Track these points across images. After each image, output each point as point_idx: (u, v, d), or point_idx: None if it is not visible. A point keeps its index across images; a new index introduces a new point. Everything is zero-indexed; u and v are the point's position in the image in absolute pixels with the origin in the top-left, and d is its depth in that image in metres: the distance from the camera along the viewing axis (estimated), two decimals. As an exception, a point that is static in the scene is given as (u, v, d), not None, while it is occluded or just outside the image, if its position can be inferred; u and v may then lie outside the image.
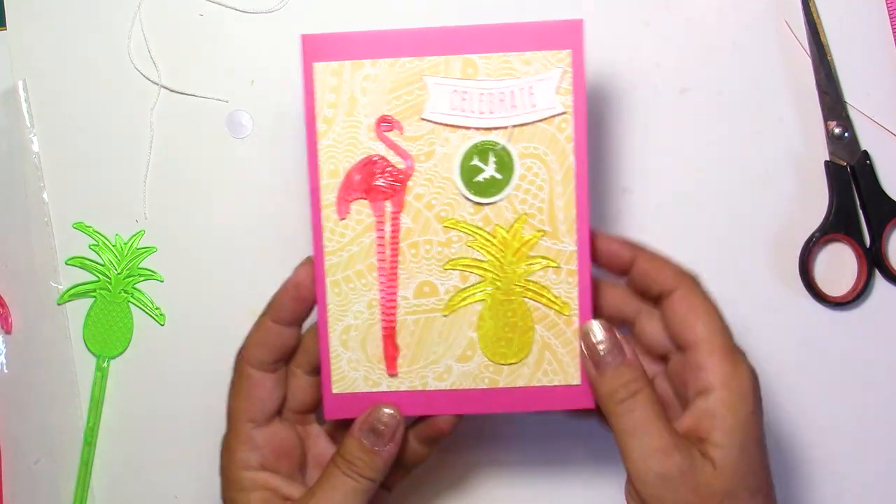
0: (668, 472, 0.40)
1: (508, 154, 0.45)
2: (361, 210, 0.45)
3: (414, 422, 0.47)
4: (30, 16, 0.56)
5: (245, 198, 0.56)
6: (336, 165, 0.45)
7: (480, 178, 0.45)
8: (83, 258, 0.56)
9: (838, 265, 0.56)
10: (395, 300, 0.45)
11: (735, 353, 0.42)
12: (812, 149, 0.56)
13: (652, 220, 0.55)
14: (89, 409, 0.55)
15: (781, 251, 0.56)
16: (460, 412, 0.46)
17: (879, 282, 0.56)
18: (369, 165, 0.45)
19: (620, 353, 0.43)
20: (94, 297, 0.56)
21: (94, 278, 0.56)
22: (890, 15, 0.56)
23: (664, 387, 0.46)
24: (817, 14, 0.55)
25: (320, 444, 0.48)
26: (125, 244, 0.55)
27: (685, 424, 0.42)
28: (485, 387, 0.46)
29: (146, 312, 0.56)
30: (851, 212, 0.55)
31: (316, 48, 0.45)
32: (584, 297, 0.45)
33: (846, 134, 0.55)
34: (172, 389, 0.56)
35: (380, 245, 0.45)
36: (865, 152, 0.55)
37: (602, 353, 0.43)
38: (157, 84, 0.56)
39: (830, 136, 0.55)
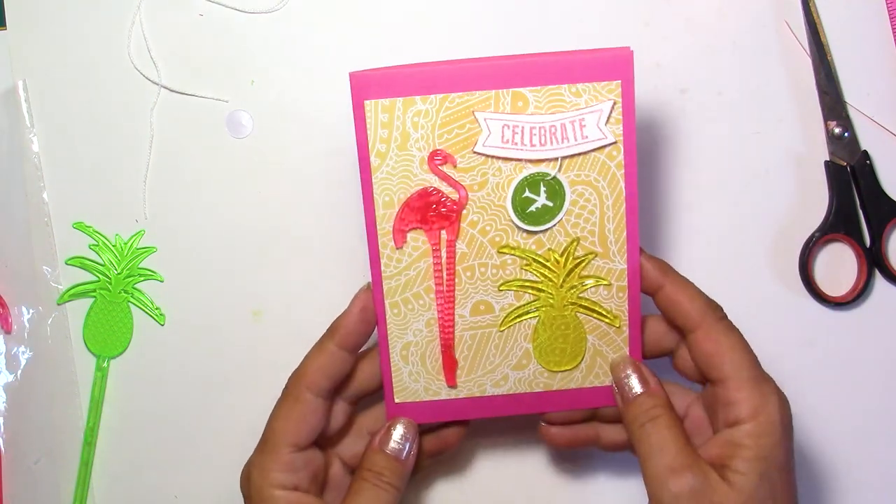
0: (681, 491, 0.42)
1: (559, 182, 0.45)
2: (417, 238, 0.46)
3: (423, 433, 0.48)
4: (30, 16, 0.56)
5: (245, 198, 0.56)
6: (391, 197, 0.46)
7: (533, 208, 0.46)
8: (83, 258, 0.56)
9: (838, 265, 0.56)
10: (452, 318, 0.47)
11: (763, 385, 0.44)
12: (812, 149, 0.56)
13: (652, 221, 0.55)
14: (89, 409, 0.55)
15: (781, 251, 0.56)
16: (517, 413, 0.48)
17: (879, 282, 0.56)
18: (424, 197, 0.46)
19: (645, 384, 0.45)
20: (94, 297, 0.56)
21: (94, 278, 0.56)
22: (890, 15, 0.56)
23: (699, 412, 0.47)
24: (817, 14, 0.55)
25: (335, 466, 0.49)
26: (125, 244, 0.55)
27: (711, 452, 0.44)
28: (539, 390, 0.48)
29: (146, 312, 0.56)
30: (851, 212, 0.55)
31: (365, 86, 0.45)
32: (634, 309, 0.47)
33: (846, 134, 0.55)
34: (172, 389, 0.56)
35: (437, 269, 0.46)
36: (865, 152, 0.55)
37: (629, 384, 0.46)
38: (157, 84, 0.56)
39: (830, 136, 0.55)
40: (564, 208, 0.46)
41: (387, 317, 0.47)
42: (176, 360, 0.56)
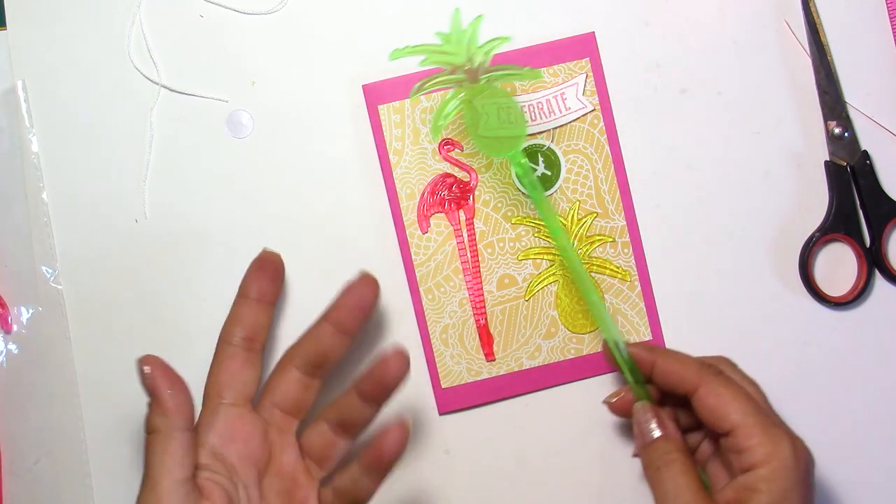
0: None
1: (554, 153, 0.53)
2: (440, 223, 0.53)
3: (361, 450, 0.46)
4: (30, 16, 0.56)
5: (245, 198, 0.56)
6: (412, 188, 0.53)
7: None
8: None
9: (838, 265, 0.56)
10: (482, 295, 0.53)
11: (773, 430, 0.44)
12: (812, 149, 0.56)
13: (652, 220, 0.55)
14: None
15: (781, 251, 0.56)
16: (555, 384, 0.53)
17: (879, 282, 0.56)
18: (440, 183, 0.52)
19: (663, 428, 0.47)
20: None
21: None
22: (890, 15, 0.56)
23: (717, 465, 0.48)
24: (817, 14, 0.55)
25: (288, 453, 0.47)
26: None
27: (726, 497, 0.44)
28: (571, 357, 0.53)
29: None
30: (851, 212, 0.55)
31: (377, 94, 0.53)
32: (641, 263, 0.53)
33: (846, 134, 0.55)
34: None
35: (461, 250, 0.52)
36: (865, 152, 0.55)
37: (648, 427, 0.47)
38: (157, 84, 0.56)
39: (830, 136, 0.55)
40: (562, 176, 0.53)
41: (423, 303, 0.52)
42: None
